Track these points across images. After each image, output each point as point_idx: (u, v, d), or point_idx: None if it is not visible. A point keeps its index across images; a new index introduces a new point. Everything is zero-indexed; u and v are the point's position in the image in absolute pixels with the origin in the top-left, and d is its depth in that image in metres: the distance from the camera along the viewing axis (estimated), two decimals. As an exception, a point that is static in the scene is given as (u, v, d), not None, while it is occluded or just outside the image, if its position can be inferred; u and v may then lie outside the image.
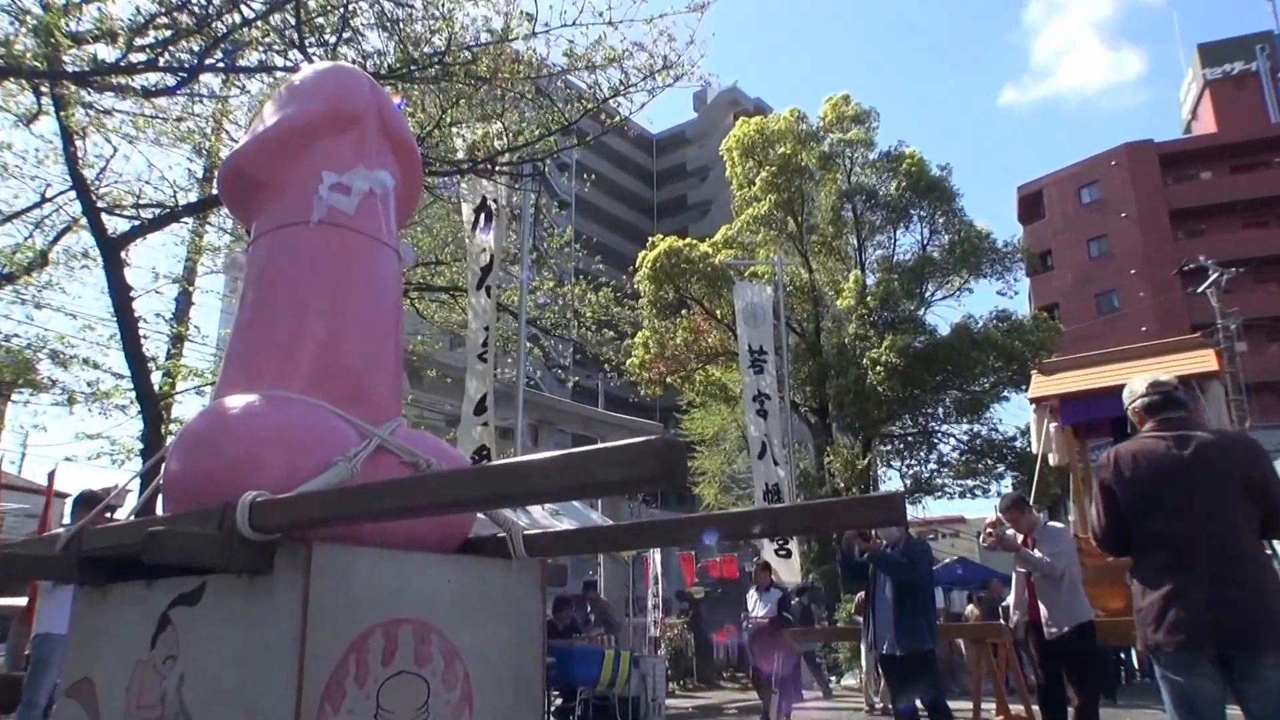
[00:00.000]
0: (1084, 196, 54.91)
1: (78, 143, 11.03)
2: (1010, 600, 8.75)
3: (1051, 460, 11.69)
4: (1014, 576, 7.99)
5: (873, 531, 8.57)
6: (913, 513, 30.49)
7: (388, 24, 10.08)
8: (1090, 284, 52.26)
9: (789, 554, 17.89)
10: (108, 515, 6.17)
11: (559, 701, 12.73)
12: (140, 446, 11.61)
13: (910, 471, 30.30)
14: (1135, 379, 4.41)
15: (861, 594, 16.66)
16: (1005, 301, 48.22)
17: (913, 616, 8.11)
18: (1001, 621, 11.16)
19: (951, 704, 8.16)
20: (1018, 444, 27.97)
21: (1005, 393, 28.26)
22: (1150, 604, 3.90)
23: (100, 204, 11.53)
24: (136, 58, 9.43)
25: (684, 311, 29.28)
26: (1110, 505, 4.14)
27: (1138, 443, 4.16)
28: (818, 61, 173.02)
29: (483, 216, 11.61)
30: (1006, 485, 29.20)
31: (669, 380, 30.15)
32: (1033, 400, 11.65)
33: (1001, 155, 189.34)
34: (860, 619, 15.35)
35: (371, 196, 3.50)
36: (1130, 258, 50.71)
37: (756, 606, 13.16)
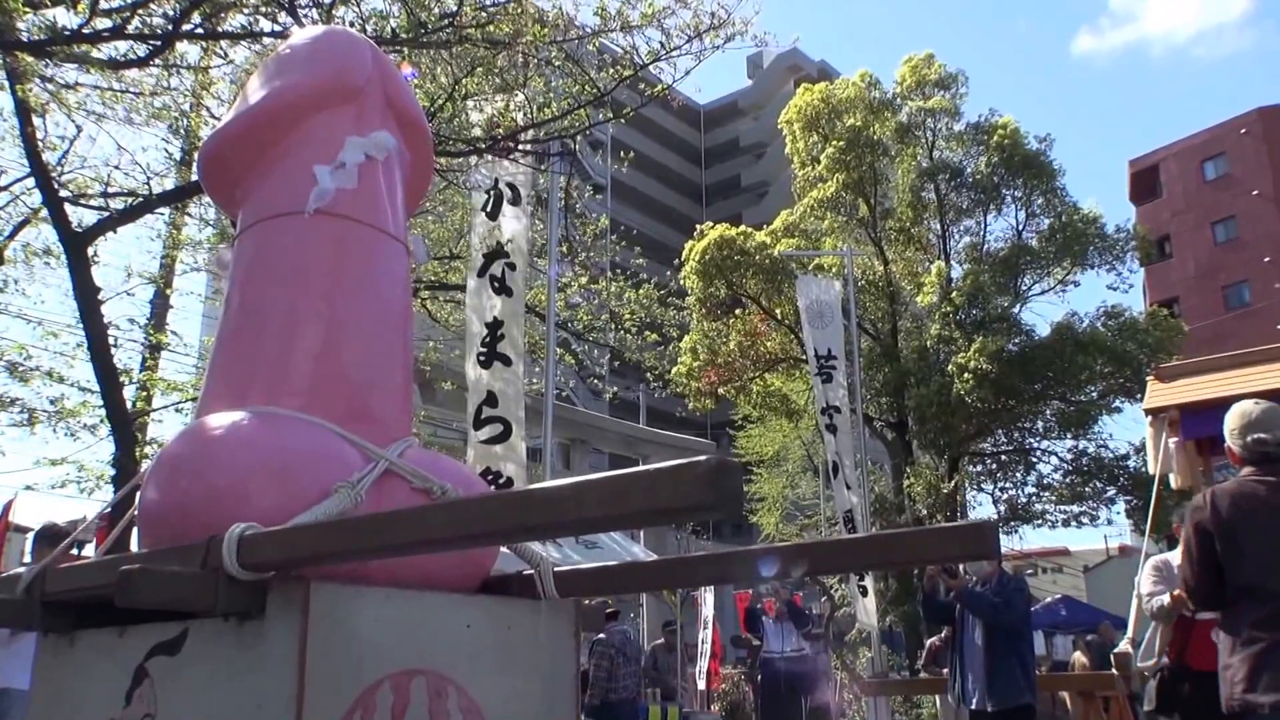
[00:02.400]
0: (1208, 171, 54.28)
1: (36, 122, 11.12)
2: (1126, 643, 8.60)
3: (1172, 482, 11.54)
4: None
5: (960, 567, 8.52)
6: (1007, 544, 30.28)
7: (391, -21, 10.13)
8: (1216, 274, 51.68)
9: (865, 591, 17.83)
10: (74, 552, 6.25)
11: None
12: (111, 473, 11.70)
13: (1005, 496, 30.10)
14: (1245, 404, 4.69)
15: (932, 640, 16.59)
16: (1116, 296, 47.83)
17: (1007, 666, 8.07)
18: (1114, 671, 11.04)
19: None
20: (1131, 463, 27.69)
21: (1116, 403, 28.00)
22: (1242, 660, 4.18)
23: (63, 193, 11.62)
24: (101, 24, 9.51)
25: (738, 311, 29.25)
26: (1205, 551, 4.42)
27: (1236, 485, 4.48)
28: (889, 17, 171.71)
29: (492, 199, 11.58)
30: (1118, 511, 28.96)
31: (721, 391, 30.10)
32: (1149, 411, 11.51)
33: (1080, 113, 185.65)
34: (926, 672, 15.26)
35: (374, 177, 3.52)
36: (1264, 243, 50.10)
37: (774, 639, 13.09)
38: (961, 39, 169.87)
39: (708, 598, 23.02)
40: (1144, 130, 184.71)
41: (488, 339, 10.96)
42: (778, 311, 28.34)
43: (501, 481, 10.46)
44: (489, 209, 11.38)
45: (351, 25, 9.68)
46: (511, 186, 11.52)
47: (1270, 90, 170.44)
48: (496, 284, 11.20)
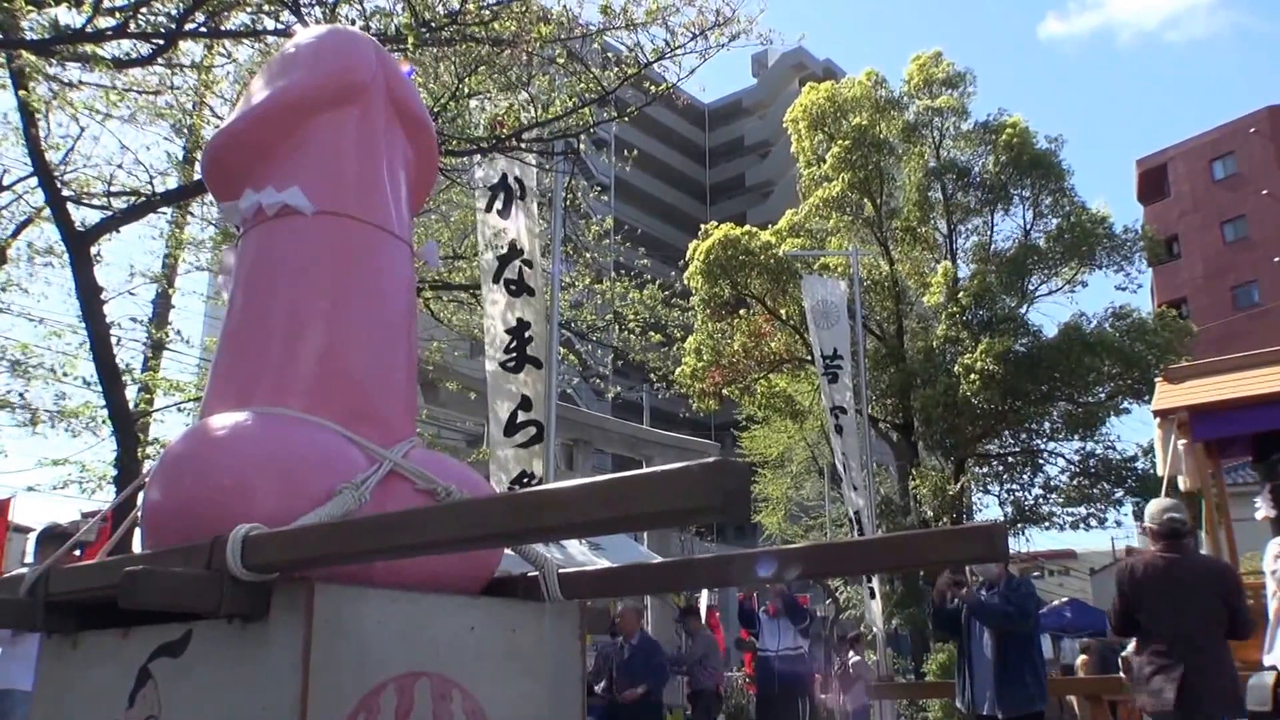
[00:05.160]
0: (1217, 170, 54.09)
1: (40, 122, 11.13)
2: (1134, 646, 8.61)
3: (1180, 484, 11.55)
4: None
5: (968, 569, 8.51)
6: (1014, 546, 30.17)
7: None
8: (1225, 274, 51.52)
9: (873, 594, 17.85)
10: (77, 553, 6.26)
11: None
12: (114, 473, 11.70)
13: (1011, 498, 30.01)
14: (1156, 502, 7.11)
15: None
16: (1124, 296, 47.73)
17: (1019, 672, 8.05)
18: (1122, 674, 11.03)
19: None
20: (1139, 465, 27.59)
21: (1124, 404, 27.91)
22: (1145, 675, 6.59)
23: (66, 192, 11.63)
24: (105, 22, 9.51)
25: (743, 311, 29.17)
26: (1124, 600, 6.81)
27: (1151, 557, 6.84)
28: (894, 16, 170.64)
29: (501, 197, 11.54)
30: (1125, 513, 28.89)
31: (725, 392, 30.04)
32: (1157, 413, 11.50)
33: (1057, 102, 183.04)
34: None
35: (378, 176, 3.53)
36: (1274, 243, 49.88)
37: (770, 636, 13.01)
38: (965, 36, 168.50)
39: (702, 601, 23.00)
40: (1127, 121, 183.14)
41: (514, 344, 10.92)
42: (782, 312, 28.27)
43: (535, 481, 10.46)
44: (500, 208, 11.34)
45: (354, 23, 9.68)
46: (519, 182, 11.49)
47: (1250, 74, 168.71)
48: (514, 286, 11.16)
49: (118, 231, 11.67)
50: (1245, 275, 50.74)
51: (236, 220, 3.55)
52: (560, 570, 3.22)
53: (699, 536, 38.69)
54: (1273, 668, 6.68)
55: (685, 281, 28.04)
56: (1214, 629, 6.60)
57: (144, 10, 9.57)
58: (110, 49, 9.70)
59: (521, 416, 10.74)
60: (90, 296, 10.69)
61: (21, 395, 14.47)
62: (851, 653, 17.20)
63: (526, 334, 10.95)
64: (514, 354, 10.87)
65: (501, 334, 10.96)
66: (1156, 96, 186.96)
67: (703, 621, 17.86)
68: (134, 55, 9.96)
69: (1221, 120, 53.32)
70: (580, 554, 11.40)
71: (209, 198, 11.16)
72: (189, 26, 9.79)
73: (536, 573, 3.22)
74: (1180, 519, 6.88)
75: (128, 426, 10.90)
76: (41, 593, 3.08)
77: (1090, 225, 28.31)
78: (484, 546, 3.03)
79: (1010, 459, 30.01)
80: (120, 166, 12.85)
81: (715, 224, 29.50)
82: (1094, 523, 28.87)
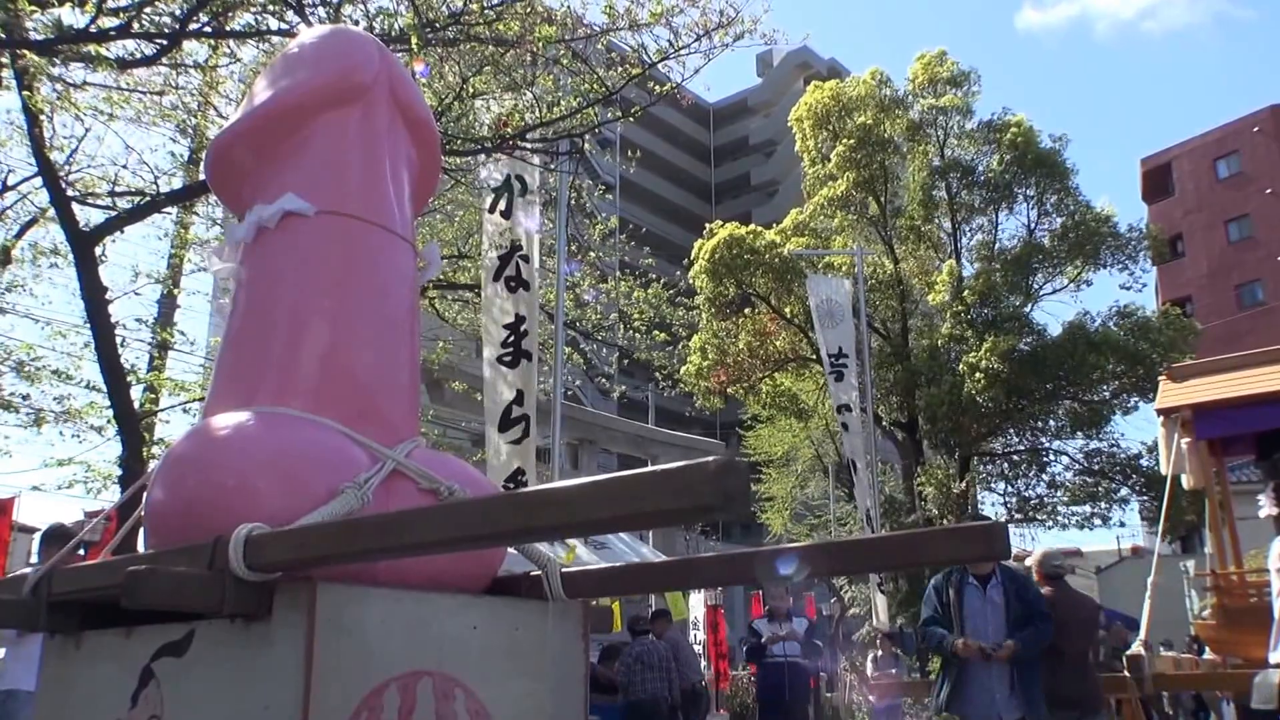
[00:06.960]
0: (1220, 169, 54.04)
1: (44, 122, 11.13)
2: (1139, 644, 9.07)
3: (1184, 482, 11.50)
4: None
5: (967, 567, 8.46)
6: (1017, 545, 30.12)
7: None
8: (1229, 273, 51.50)
9: (885, 592, 17.87)
10: (81, 553, 6.25)
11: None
12: (118, 473, 11.71)
13: (1016, 496, 29.98)
14: (1042, 550, 9.36)
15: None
16: (1128, 295, 47.70)
17: (1034, 679, 7.99)
18: (1126, 673, 10.99)
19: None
20: (1144, 463, 27.56)
21: (1129, 402, 27.91)
22: (1046, 680, 7.90)
23: (71, 192, 11.63)
24: (108, 22, 9.51)
25: (748, 310, 29.20)
26: None
27: (1049, 595, 8.35)
28: (898, 14, 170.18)
29: (505, 197, 11.54)
30: (1131, 511, 28.87)
31: (730, 391, 30.06)
32: (1160, 411, 11.46)
33: (1039, 93, 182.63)
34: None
35: (380, 177, 3.53)
36: (1278, 241, 49.83)
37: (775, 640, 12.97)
38: (951, 28, 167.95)
39: (695, 600, 22.99)
40: (1115, 116, 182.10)
41: (511, 339, 10.92)
42: (787, 310, 28.30)
43: (524, 479, 10.46)
44: (504, 209, 11.34)
45: (358, 24, 9.68)
46: (520, 179, 11.48)
47: (1239, 64, 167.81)
48: (513, 283, 11.16)
49: (122, 232, 11.67)
50: (1249, 274, 50.73)
51: (239, 252, 3.53)
52: (563, 569, 3.22)
53: (704, 536, 38.66)
54: (1278, 666, 6.65)
55: (690, 280, 28.06)
56: (1089, 645, 8.87)
57: (148, 10, 9.57)
58: (114, 49, 9.70)
59: (515, 412, 10.75)
60: (95, 297, 10.68)
61: (25, 397, 14.49)
62: (880, 651, 17.18)
63: (523, 328, 10.95)
64: (510, 349, 10.87)
65: (500, 330, 10.95)
66: (1145, 89, 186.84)
67: (671, 621, 17.81)
68: (138, 55, 9.96)
69: (1213, 113, 53.41)
70: (584, 553, 11.40)
71: (214, 197, 11.16)
72: (193, 27, 9.80)
73: (539, 572, 3.21)
74: (1061, 565, 9.22)
75: (133, 426, 10.90)
76: (45, 593, 3.08)
77: (1095, 224, 28.33)
78: (486, 546, 3.02)
79: (1015, 457, 30.05)
80: (125, 167, 12.89)
81: (720, 223, 29.54)
82: (1099, 521, 28.88)
